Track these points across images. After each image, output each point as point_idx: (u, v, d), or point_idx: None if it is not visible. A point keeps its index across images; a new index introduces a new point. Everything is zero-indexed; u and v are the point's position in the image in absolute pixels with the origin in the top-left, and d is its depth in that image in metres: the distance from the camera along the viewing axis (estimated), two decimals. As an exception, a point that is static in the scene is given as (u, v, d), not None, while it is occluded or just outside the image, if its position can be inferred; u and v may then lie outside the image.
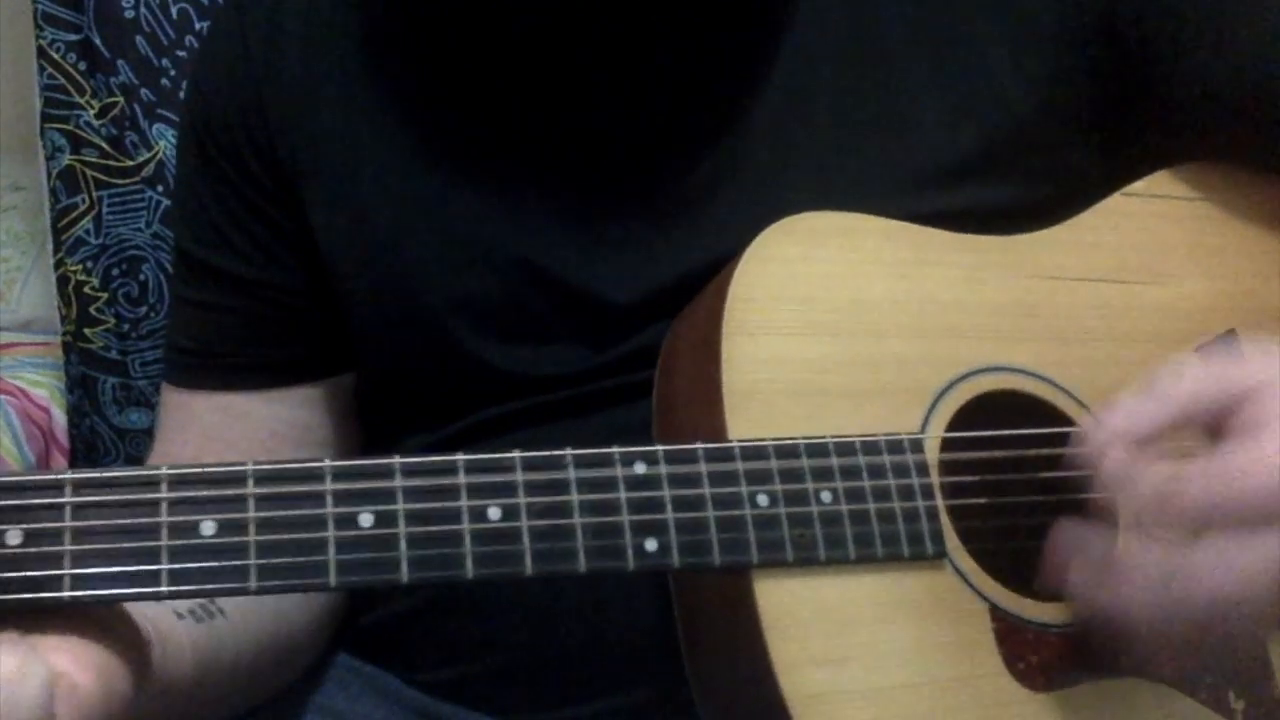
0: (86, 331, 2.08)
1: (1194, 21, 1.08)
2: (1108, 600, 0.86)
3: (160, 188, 2.01)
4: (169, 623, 0.92)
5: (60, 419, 2.21)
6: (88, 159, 2.04)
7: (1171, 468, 0.85)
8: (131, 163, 2.02)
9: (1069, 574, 0.89)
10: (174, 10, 1.99)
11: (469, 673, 1.13)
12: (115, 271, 2.04)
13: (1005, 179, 1.09)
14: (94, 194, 2.04)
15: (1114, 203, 1.11)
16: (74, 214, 2.06)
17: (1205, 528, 0.82)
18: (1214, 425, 0.87)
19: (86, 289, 2.06)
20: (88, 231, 2.05)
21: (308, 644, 1.19)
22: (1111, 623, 0.86)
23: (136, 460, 2.09)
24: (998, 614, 0.95)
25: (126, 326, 2.06)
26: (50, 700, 0.74)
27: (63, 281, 2.09)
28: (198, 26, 1.98)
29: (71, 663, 0.76)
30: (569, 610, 1.05)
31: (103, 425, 2.12)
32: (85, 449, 2.17)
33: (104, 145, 2.03)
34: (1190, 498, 0.83)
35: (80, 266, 2.06)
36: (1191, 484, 0.83)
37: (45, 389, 2.24)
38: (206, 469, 0.80)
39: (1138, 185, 1.13)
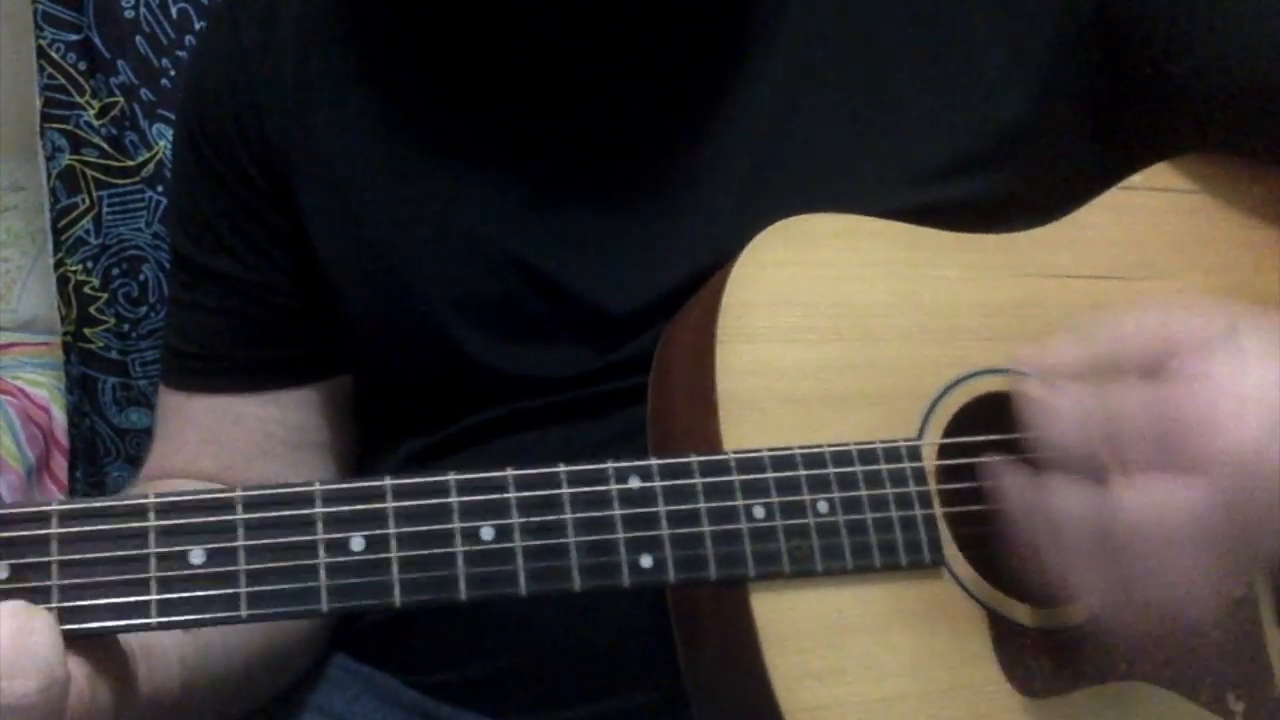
0: (86, 331, 2.08)
1: (1187, 13, 1.08)
2: (1041, 538, 0.87)
3: (160, 188, 2.01)
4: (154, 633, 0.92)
5: (60, 419, 2.21)
6: (88, 159, 2.04)
7: (1102, 394, 0.85)
8: (131, 163, 2.01)
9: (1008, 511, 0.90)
10: (174, 10, 1.99)
11: (467, 674, 1.12)
12: (115, 271, 2.04)
13: (1001, 173, 1.09)
14: (94, 194, 2.04)
15: (1112, 197, 1.11)
16: (74, 214, 2.05)
17: (1134, 461, 0.83)
18: (1149, 372, 0.85)
19: (86, 289, 2.06)
20: (88, 231, 2.05)
21: (300, 651, 1.19)
22: (1048, 568, 0.87)
23: (137, 460, 2.09)
24: (995, 621, 0.95)
25: (126, 326, 2.06)
26: (61, 647, 0.74)
27: (63, 281, 2.08)
28: (198, 26, 1.98)
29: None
30: (567, 612, 1.05)
31: (103, 425, 2.12)
32: (85, 449, 2.17)
33: (104, 145, 2.03)
34: (1125, 424, 0.83)
35: (80, 266, 2.06)
36: (1127, 411, 0.83)
37: (45, 389, 2.23)
38: (194, 497, 0.79)
39: (1135, 179, 1.12)
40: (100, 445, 2.14)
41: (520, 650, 1.08)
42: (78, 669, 0.77)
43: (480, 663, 1.11)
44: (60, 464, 2.20)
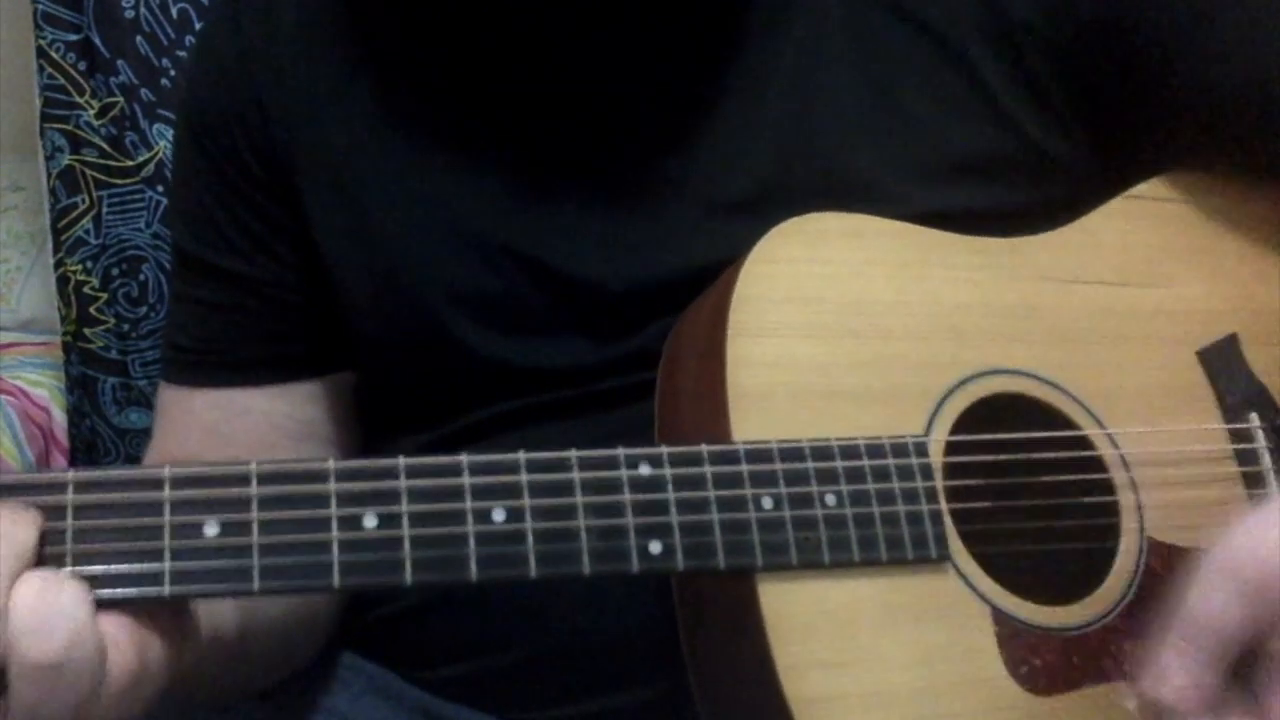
0: (86, 331, 2.08)
1: (1186, 23, 1.08)
2: None
3: (160, 188, 2.01)
4: None
5: (60, 419, 2.22)
6: (87, 159, 2.04)
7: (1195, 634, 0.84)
8: (131, 163, 2.02)
9: None
10: (174, 10, 1.99)
11: (471, 670, 1.12)
12: (115, 271, 2.04)
13: (1003, 181, 1.10)
14: (94, 194, 2.04)
15: (1118, 205, 1.11)
16: (74, 214, 2.06)
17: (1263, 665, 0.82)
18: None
19: (86, 289, 2.06)
20: (87, 231, 2.05)
21: (328, 615, 1.20)
22: None
23: (137, 460, 2.10)
24: (1000, 617, 0.94)
25: (126, 326, 2.07)
26: (90, 611, 0.75)
27: (63, 281, 2.09)
28: (198, 26, 1.99)
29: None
30: (571, 607, 1.05)
31: (102, 425, 2.12)
32: (85, 449, 2.17)
33: (104, 145, 2.04)
34: (1227, 642, 0.82)
35: (80, 266, 2.06)
36: (1223, 633, 0.83)
37: (45, 389, 2.24)
38: (209, 469, 0.80)
39: (1142, 188, 1.12)
40: (100, 445, 2.14)
41: (524, 646, 1.08)
42: (124, 637, 0.78)
43: (484, 659, 1.11)
44: (60, 463, 2.21)
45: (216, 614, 0.94)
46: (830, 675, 0.89)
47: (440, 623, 1.12)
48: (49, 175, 2.08)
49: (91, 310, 2.07)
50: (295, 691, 1.19)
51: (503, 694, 1.11)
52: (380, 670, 1.19)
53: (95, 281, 2.05)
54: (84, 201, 2.04)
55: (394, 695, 1.17)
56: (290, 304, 1.21)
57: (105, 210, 2.03)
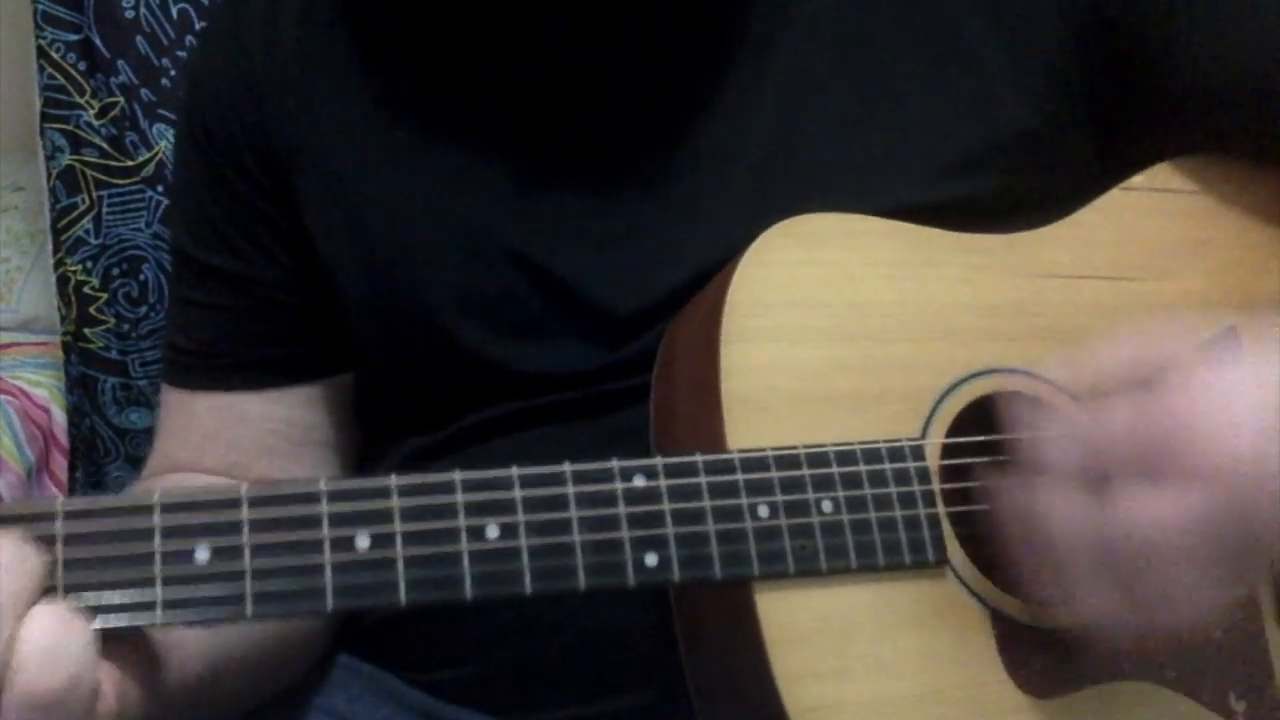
0: (86, 331, 2.08)
1: (1184, 12, 1.08)
2: (1040, 554, 0.87)
3: (160, 188, 2.01)
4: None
5: (60, 419, 2.21)
6: (88, 159, 2.04)
7: (1092, 412, 0.86)
8: (131, 163, 2.02)
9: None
10: (174, 10, 1.99)
11: (470, 673, 1.12)
12: (115, 271, 2.04)
13: (1002, 173, 1.09)
14: (94, 194, 2.04)
15: (1113, 198, 1.11)
16: (74, 214, 2.06)
17: (1127, 475, 0.82)
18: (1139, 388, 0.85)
19: (86, 289, 2.06)
20: (87, 231, 2.05)
21: (318, 636, 1.20)
22: (1049, 582, 0.87)
23: (137, 460, 2.09)
24: (999, 620, 0.94)
25: (126, 326, 2.06)
26: (95, 652, 0.75)
27: (63, 281, 2.09)
28: (198, 27, 1.98)
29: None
30: (570, 610, 1.05)
31: (103, 425, 2.12)
32: (85, 449, 2.17)
33: (104, 145, 2.03)
34: (1115, 439, 0.83)
35: (80, 266, 2.06)
36: (1116, 427, 0.84)
37: (45, 389, 2.24)
38: (199, 495, 0.79)
39: (1137, 179, 1.12)
40: (100, 445, 2.14)
41: (522, 648, 1.08)
42: (106, 678, 0.78)
43: (482, 661, 1.11)
44: (60, 464, 2.20)
45: (187, 659, 0.94)
46: (829, 684, 0.89)
47: (438, 625, 1.12)
48: (49, 175, 2.08)
49: (91, 310, 2.06)
50: (292, 691, 1.19)
51: (501, 696, 1.11)
52: (378, 671, 1.19)
53: (95, 281, 2.05)
54: (84, 201, 2.04)
55: (392, 695, 1.17)
56: (288, 305, 1.21)
57: (105, 210, 2.03)
